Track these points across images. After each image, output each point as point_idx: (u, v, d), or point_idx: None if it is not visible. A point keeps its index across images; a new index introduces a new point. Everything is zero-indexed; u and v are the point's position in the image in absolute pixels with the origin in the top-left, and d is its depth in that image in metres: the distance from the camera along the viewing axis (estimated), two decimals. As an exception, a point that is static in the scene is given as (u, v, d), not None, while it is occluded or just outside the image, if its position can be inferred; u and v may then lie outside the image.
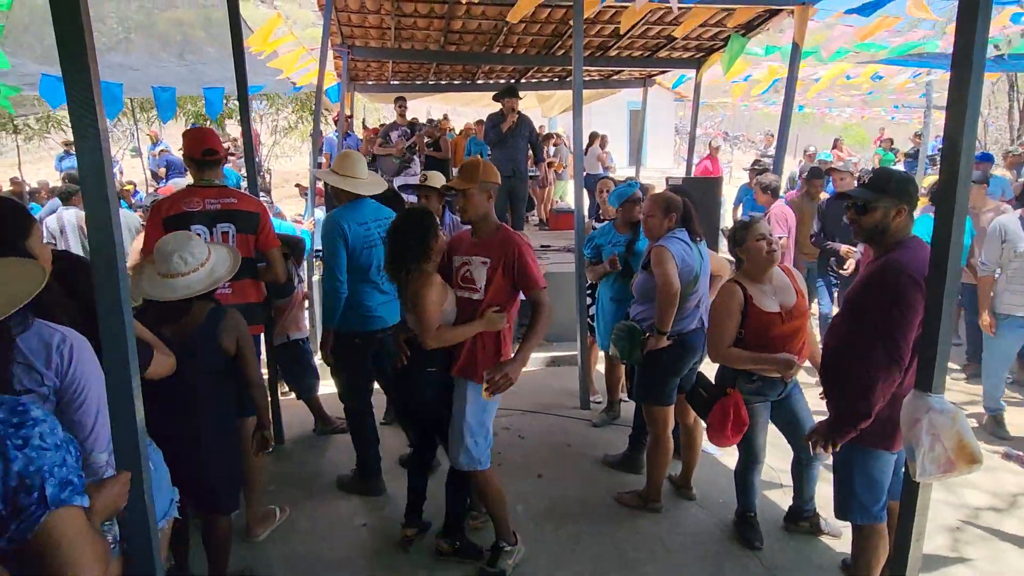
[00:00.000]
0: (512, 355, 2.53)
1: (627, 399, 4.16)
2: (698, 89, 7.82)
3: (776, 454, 3.05)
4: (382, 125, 9.59)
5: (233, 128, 15.68)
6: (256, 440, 2.51)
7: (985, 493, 3.33)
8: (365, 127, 11.87)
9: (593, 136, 10.64)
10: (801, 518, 2.96)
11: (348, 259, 3.05)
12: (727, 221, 7.43)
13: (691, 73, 7.84)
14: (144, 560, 1.59)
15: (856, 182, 4.62)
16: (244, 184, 11.31)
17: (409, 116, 8.62)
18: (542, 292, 2.52)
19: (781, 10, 5.36)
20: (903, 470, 2.37)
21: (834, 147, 12.66)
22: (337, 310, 3.07)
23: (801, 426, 2.71)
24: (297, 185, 8.60)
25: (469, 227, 2.68)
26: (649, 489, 3.15)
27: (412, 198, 4.12)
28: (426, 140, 8.30)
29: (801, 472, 2.88)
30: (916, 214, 2.37)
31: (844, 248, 4.61)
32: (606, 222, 4.04)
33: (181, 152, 3.08)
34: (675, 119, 23.08)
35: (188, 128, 3.33)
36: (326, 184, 5.40)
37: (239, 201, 2.98)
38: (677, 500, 3.24)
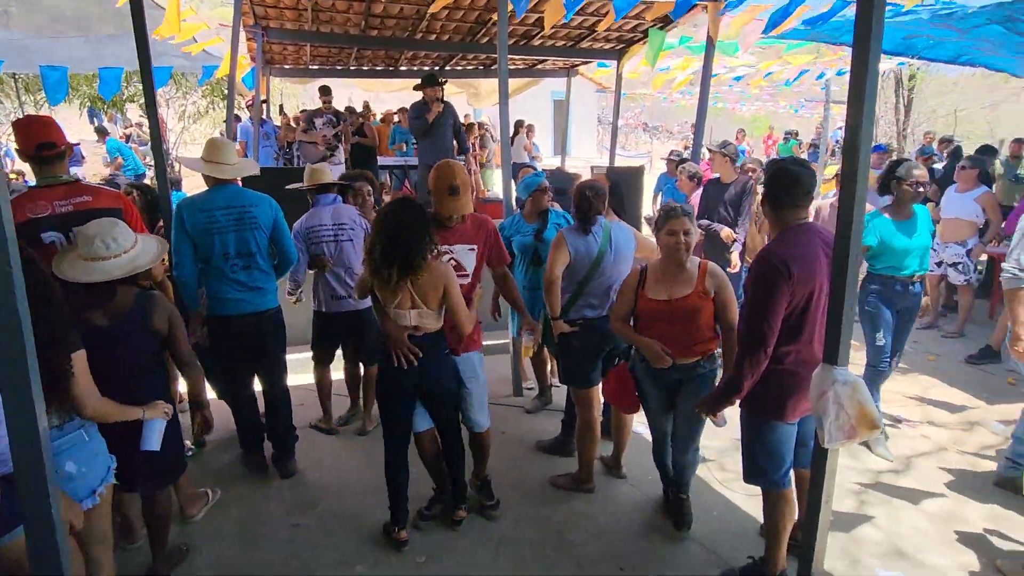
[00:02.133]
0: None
1: (558, 384, 4.26)
2: (619, 80, 8.01)
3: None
4: (303, 111, 9.19)
5: (135, 113, 14.62)
6: (197, 423, 2.55)
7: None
8: (283, 113, 11.37)
9: (519, 125, 10.68)
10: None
11: (194, 246, 3.06)
12: (648, 209, 7.68)
13: (613, 63, 8.01)
14: (48, 560, 1.48)
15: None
16: (150, 174, 10.61)
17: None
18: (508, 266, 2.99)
19: (695, 5, 5.57)
20: (811, 442, 2.60)
21: (736, 139, 13.38)
22: (187, 296, 3.14)
23: (687, 421, 2.74)
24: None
25: None
26: (581, 471, 3.24)
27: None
28: (352, 128, 8.05)
29: (676, 463, 2.89)
30: (818, 198, 2.56)
31: (725, 232, 4.77)
32: (514, 213, 4.04)
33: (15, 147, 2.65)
34: (598, 109, 23.54)
35: (18, 119, 2.90)
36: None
37: (95, 198, 2.69)
38: (609, 480, 3.35)
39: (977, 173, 5.64)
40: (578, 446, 3.26)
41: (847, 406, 1.95)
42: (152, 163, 11.47)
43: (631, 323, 2.78)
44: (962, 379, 4.78)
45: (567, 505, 3.14)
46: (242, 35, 6.27)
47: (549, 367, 4.34)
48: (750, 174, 5.25)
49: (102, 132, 11.24)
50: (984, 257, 6.39)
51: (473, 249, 2.78)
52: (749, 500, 3.03)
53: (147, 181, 9.24)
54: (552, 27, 6.57)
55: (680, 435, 2.79)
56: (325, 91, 7.72)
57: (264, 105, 8.90)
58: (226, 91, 7.26)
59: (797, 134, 14.08)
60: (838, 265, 1.93)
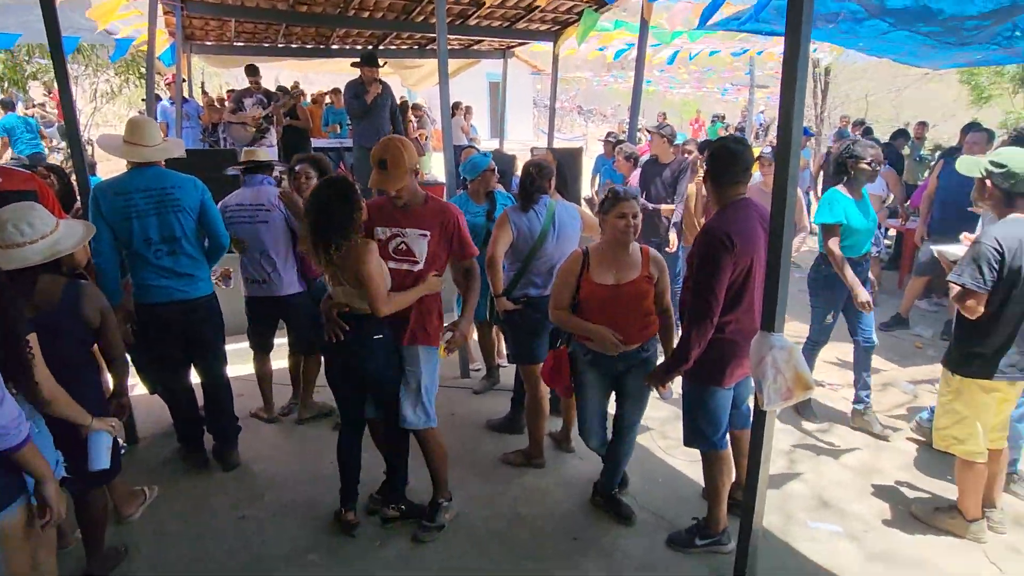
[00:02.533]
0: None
1: (506, 364, 4.31)
2: (555, 62, 8.04)
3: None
4: (231, 91, 8.73)
5: (38, 92, 13.45)
6: (113, 407, 2.43)
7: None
8: (205, 93, 10.76)
9: (456, 106, 10.56)
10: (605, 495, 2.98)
11: (113, 233, 2.89)
12: (587, 190, 7.81)
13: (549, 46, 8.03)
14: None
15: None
16: (62, 158, 9.80)
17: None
18: (475, 259, 2.70)
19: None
20: (744, 405, 2.76)
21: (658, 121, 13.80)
22: (107, 286, 2.87)
23: (634, 406, 2.77)
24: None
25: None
26: (531, 447, 3.31)
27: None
28: (284, 109, 7.72)
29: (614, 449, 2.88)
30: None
31: (666, 207, 4.92)
32: (460, 192, 4.04)
33: None
34: (533, 92, 23.59)
35: None
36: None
37: (5, 180, 2.56)
38: (558, 454, 3.43)
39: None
40: (527, 422, 3.33)
41: (784, 370, 2.07)
42: (59, 146, 10.64)
43: (574, 311, 2.68)
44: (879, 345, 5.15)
45: (519, 481, 3.19)
46: (160, 8, 5.88)
47: (497, 348, 4.38)
48: (686, 155, 5.43)
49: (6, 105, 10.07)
50: (893, 232, 6.89)
51: (425, 235, 2.57)
52: (691, 466, 3.18)
53: (61, 164, 8.52)
54: (489, 7, 6.52)
55: (626, 421, 2.78)
56: (253, 71, 7.37)
57: (185, 84, 8.40)
58: (143, 70, 6.81)
59: (724, 117, 14.63)
60: (774, 238, 2.04)
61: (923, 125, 8.38)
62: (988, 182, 2.32)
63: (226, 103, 8.57)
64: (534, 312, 3.16)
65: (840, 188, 3.57)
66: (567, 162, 5.72)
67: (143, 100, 8.62)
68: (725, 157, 2.40)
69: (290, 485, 3.16)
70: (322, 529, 2.82)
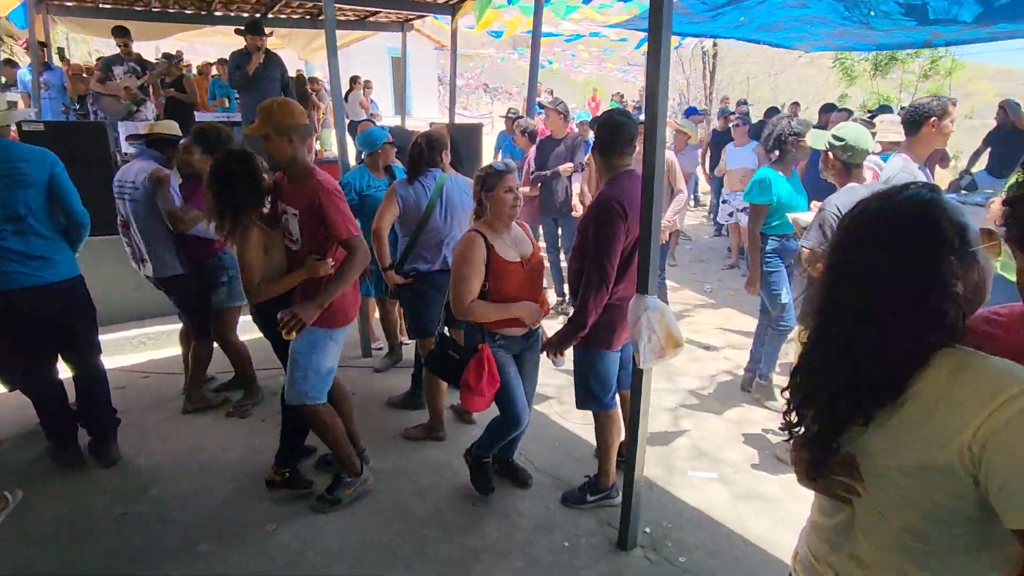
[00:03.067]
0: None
1: (407, 341, 4.30)
2: (455, 36, 7.93)
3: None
4: (100, 59, 7.91)
5: None
6: None
7: (694, 378, 4.22)
8: (66, 60, 9.71)
9: (354, 80, 10.21)
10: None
11: None
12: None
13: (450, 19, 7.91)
14: None
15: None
16: None
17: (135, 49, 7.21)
18: (351, 239, 2.47)
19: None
20: (631, 364, 2.93)
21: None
22: None
23: (531, 381, 2.81)
24: None
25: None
26: (432, 420, 3.35)
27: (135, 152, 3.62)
28: (167, 79, 7.09)
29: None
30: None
31: (565, 167, 5.02)
32: (359, 166, 3.96)
33: None
34: (437, 68, 23.18)
35: None
36: (24, 129, 4.44)
37: None
38: (459, 426, 3.50)
39: (747, 129, 6.57)
40: (427, 397, 3.36)
41: (657, 330, 2.23)
42: None
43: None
44: (754, 309, 5.59)
45: (421, 454, 3.23)
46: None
47: (400, 326, 4.36)
48: (579, 131, 5.60)
49: None
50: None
51: (296, 214, 2.50)
52: (585, 428, 3.35)
53: None
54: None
55: (528, 395, 2.78)
56: (121, 32, 6.55)
57: (44, 50, 7.53)
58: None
59: (622, 96, 15.09)
60: (644, 206, 2.17)
61: (796, 105, 9.09)
62: (830, 154, 2.59)
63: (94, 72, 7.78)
64: (425, 286, 3.19)
65: (773, 167, 3.54)
66: (467, 138, 5.72)
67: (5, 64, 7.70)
68: (611, 127, 2.51)
69: (177, 478, 3.02)
70: (213, 519, 2.72)
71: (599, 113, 5.51)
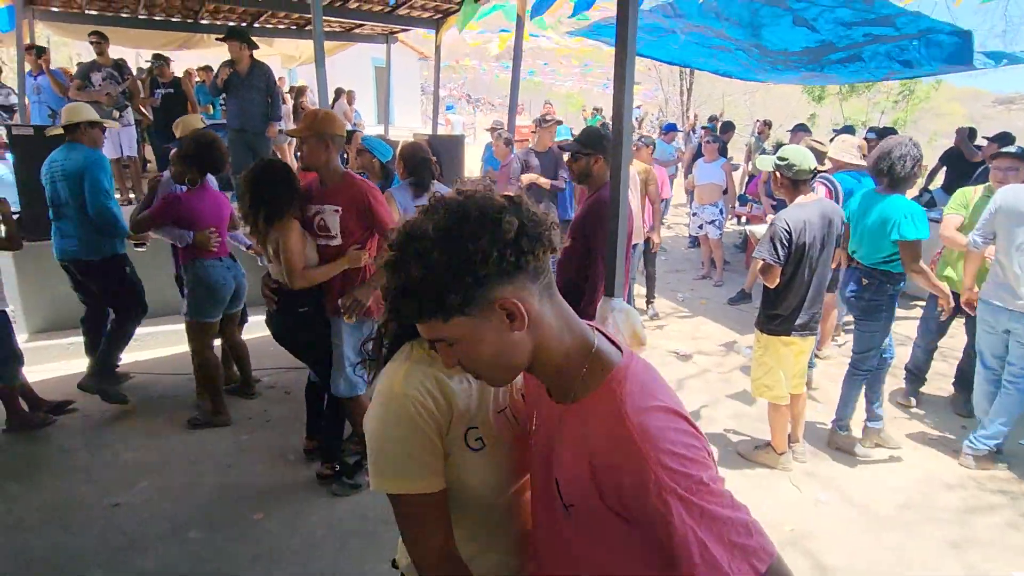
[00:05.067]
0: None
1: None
2: (439, 50, 8.17)
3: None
4: (78, 65, 7.94)
5: None
6: None
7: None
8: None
9: (339, 92, 10.37)
10: None
11: None
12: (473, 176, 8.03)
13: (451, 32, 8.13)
14: None
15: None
16: None
17: (114, 56, 7.25)
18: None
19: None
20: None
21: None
22: None
23: None
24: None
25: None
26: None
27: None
28: (161, 80, 7.15)
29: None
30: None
31: (543, 180, 5.22)
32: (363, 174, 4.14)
33: None
34: (420, 79, 23.40)
35: None
36: (13, 134, 4.52)
37: None
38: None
39: (718, 147, 6.91)
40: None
41: (623, 329, 2.43)
42: None
43: None
44: (723, 316, 5.87)
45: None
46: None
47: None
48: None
49: None
50: (744, 218, 7.77)
51: (337, 211, 2.71)
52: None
53: None
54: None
55: None
56: (98, 37, 6.52)
57: (31, 53, 7.54)
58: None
59: (601, 110, 15.46)
60: (612, 214, 2.38)
61: (767, 124, 9.46)
62: (778, 174, 2.84)
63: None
64: None
65: (906, 195, 3.17)
66: (448, 149, 5.92)
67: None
68: (599, 138, 2.78)
69: (167, 471, 3.13)
70: (203, 507, 2.85)
71: (542, 120, 5.79)
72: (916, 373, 4.02)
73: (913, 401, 4.03)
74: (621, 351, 0.94)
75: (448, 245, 0.81)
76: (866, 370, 3.31)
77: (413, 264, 0.82)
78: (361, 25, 8.77)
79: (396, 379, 0.99)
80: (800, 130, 6.33)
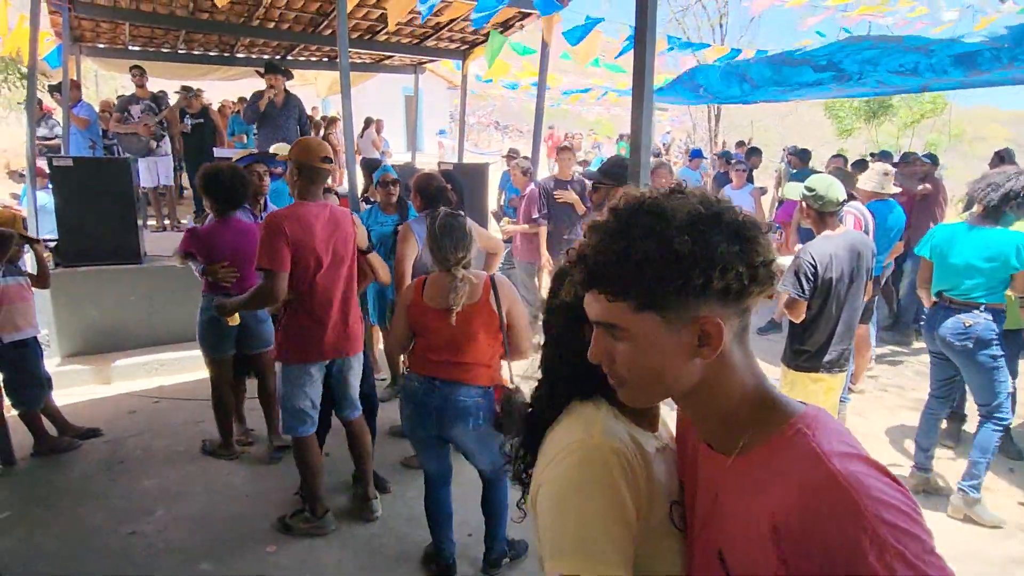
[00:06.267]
0: None
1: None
2: (465, 80, 8.29)
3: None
4: (120, 96, 8.29)
5: None
6: None
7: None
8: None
9: (368, 121, 10.61)
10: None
11: None
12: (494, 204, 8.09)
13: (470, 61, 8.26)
14: None
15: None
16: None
17: (155, 88, 7.57)
18: (264, 272, 2.56)
19: (531, 13, 6.00)
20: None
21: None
22: None
23: None
24: (9, 172, 6.92)
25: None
26: (431, 450, 3.44)
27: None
28: (189, 111, 7.43)
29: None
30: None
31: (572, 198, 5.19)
32: (373, 204, 4.17)
33: None
34: (449, 106, 23.81)
35: None
36: (55, 165, 4.69)
37: None
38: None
39: (746, 172, 6.82)
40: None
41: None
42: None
43: None
44: (753, 347, 5.69)
45: (418, 482, 3.28)
46: (45, 7, 5.60)
47: (402, 356, 4.48)
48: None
49: None
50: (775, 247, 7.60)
51: None
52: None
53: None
54: (396, 24, 6.66)
55: None
56: (139, 72, 6.92)
57: (76, 87, 7.91)
58: (25, 68, 6.41)
59: (626, 136, 15.51)
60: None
61: (801, 155, 9.36)
62: (804, 204, 2.74)
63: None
64: None
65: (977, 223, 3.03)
66: (473, 177, 5.96)
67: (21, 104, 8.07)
68: (621, 168, 2.75)
69: (182, 500, 3.13)
70: (215, 540, 2.83)
71: (559, 149, 5.79)
72: (956, 410, 3.82)
73: (953, 442, 3.82)
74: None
75: (698, 237, 0.71)
76: (1002, 419, 2.98)
77: (649, 240, 0.72)
78: (390, 56, 8.99)
79: (594, 429, 0.85)
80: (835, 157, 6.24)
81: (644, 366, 0.77)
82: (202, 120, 7.46)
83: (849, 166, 6.89)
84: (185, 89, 7.65)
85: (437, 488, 2.59)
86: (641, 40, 2.17)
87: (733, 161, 7.84)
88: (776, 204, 8.60)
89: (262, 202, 3.78)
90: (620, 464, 0.81)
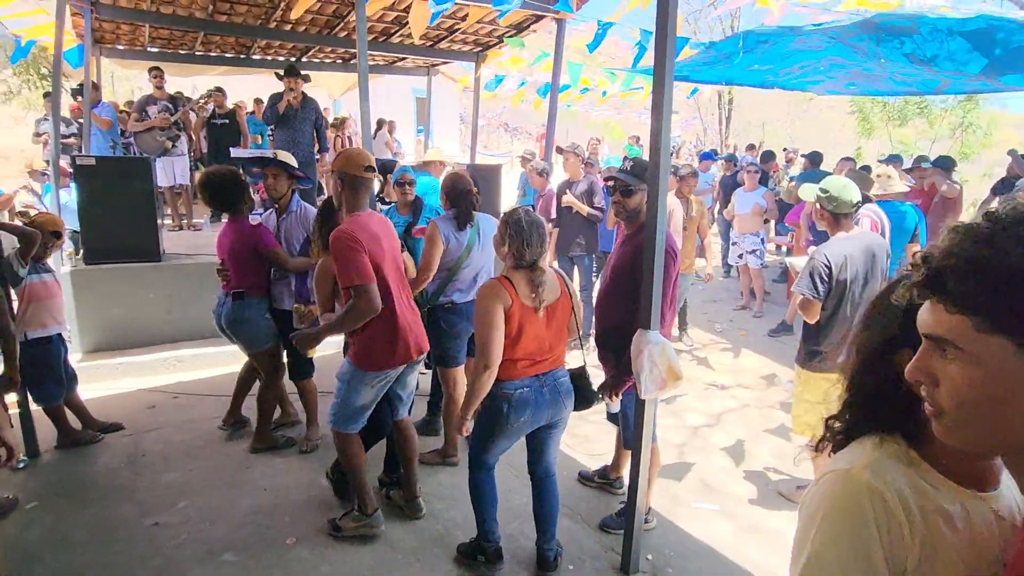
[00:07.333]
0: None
1: (425, 370, 4.47)
2: (478, 82, 8.36)
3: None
4: (144, 96, 8.38)
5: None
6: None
7: (701, 415, 4.32)
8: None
9: (381, 122, 10.68)
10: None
11: None
12: (509, 204, 8.14)
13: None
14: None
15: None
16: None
17: (172, 89, 7.66)
18: (354, 289, 2.52)
19: (545, 16, 6.05)
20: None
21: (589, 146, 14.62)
22: None
23: None
24: (31, 171, 7.01)
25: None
26: (446, 445, 3.49)
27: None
28: (218, 111, 7.55)
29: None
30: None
31: (574, 201, 5.29)
32: (390, 205, 4.22)
33: None
34: (460, 108, 23.87)
35: None
36: (78, 164, 4.78)
37: None
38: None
39: (758, 175, 6.81)
40: (444, 422, 3.51)
41: (659, 363, 2.38)
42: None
43: None
44: (764, 349, 5.72)
45: (434, 478, 3.37)
46: (68, 9, 5.69)
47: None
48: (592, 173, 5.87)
49: None
50: (784, 248, 7.60)
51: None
52: (591, 459, 3.49)
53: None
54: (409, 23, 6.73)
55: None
56: (157, 73, 7.03)
57: (97, 88, 8.02)
58: (44, 69, 6.51)
59: (639, 139, 15.47)
60: (648, 244, 2.35)
61: (813, 158, 9.34)
62: (818, 205, 2.77)
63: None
64: (458, 317, 3.36)
65: None
66: (487, 178, 6.01)
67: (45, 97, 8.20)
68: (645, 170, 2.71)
69: (204, 493, 3.19)
70: (238, 530, 2.88)
71: (559, 149, 5.81)
72: None
73: None
74: None
75: None
76: None
77: None
78: (404, 58, 9.07)
79: (858, 462, 0.78)
80: (844, 160, 6.23)
81: (976, 397, 0.64)
82: (227, 120, 7.56)
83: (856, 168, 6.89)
84: (218, 89, 7.77)
85: (491, 471, 2.65)
86: (662, 41, 2.20)
87: (746, 164, 7.84)
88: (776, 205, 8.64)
89: (284, 200, 3.71)
90: (873, 506, 0.73)
